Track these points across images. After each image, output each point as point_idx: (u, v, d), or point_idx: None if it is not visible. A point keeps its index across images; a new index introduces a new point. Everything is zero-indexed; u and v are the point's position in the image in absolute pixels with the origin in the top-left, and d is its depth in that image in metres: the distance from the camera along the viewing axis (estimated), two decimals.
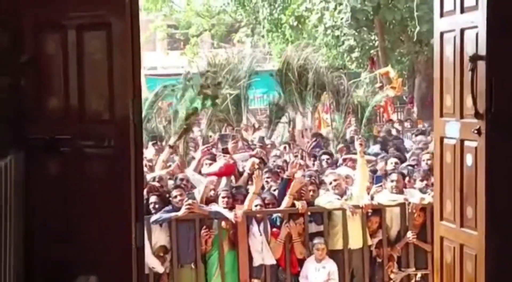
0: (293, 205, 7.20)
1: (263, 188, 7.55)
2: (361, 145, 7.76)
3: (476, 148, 4.78)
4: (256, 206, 7.18)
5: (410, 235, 7.24)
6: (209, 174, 8.03)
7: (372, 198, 7.41)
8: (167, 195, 7.25)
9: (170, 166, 8.49)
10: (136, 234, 4.60)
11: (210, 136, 11.63)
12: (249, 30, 23.35)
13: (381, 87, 16.35)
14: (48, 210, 4.55)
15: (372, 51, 19.16)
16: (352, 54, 19.22)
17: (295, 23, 20.33)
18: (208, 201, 7.28)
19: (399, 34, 19.10)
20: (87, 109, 4.56)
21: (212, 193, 7.43)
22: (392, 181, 7.53)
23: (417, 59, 19.04)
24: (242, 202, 7.25)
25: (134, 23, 4.58)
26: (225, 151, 8.92)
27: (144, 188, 6.93)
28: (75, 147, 4.56)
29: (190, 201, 6.91)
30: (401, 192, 7.47)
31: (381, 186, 7.68)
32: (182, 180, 7.69)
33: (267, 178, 7.89)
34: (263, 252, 7.09)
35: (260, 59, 29.53)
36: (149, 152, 9.49)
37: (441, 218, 5.33)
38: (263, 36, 21.89)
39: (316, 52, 15.22)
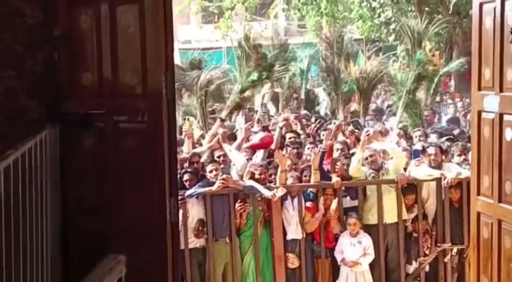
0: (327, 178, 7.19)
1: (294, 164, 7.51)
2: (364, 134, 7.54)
3: None
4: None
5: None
6: (249, 147, 8.08)
7: (408, 174, 7.34)
8: (202, 170, 7.25)
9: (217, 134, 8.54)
10: (171, 209, 4.60)
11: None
12: (284, 3, 23.12)
13: None
14: (83, 184, 4.59)
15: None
16: (389, 26, 18.92)
17: None
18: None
19: (437, 5, 18.72)
20: (120, 83, 4.55)
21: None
22: (430, 155, 7.43)
23: (455, 31, 18.66)
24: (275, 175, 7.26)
25: None
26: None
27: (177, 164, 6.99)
28: (109, 121, 4.56)
29: (224, 176, 6.91)
30: (439, 166, 7.37)
31: (419, 160, 7.60)
32: (219, 156, 7.71)
33: (312, 149, 7.87)
34: (296, 226, 7.07)
35: (294, 32, 29.36)
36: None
37: (478, 193, 5.25)
38: (299, 9, 21.61)
39: (352, 25, 15.05)
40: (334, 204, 7.08)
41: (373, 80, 12.11)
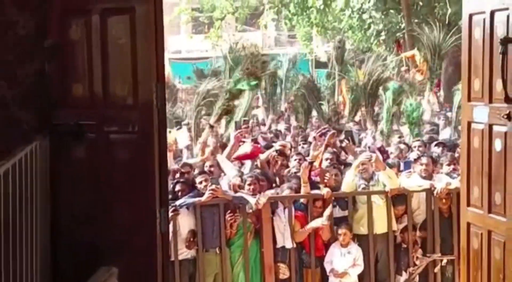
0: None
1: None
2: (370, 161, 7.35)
3: (505, 133, 4.71)
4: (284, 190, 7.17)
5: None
6: (236, 158, 8.07)
7: (399, 184, 7.34)
8: (192, 181, 7.25)
9: (209, 146, 8.55)
10: (161, 219, 4.59)
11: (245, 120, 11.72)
12: (274, 13, 23.18)
13: (406, 71, 16.19)
14: (73, 195, 4.56)
15: (398, 34, 18.94)
16: (379, 37, 19.02)
17: (321, 7, 20.12)
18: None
19: (426, 16, 18.83)
20: (111, 94, 4.55)
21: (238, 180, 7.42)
22: (421, 164, 7.46)
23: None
24: (268, 185, 7.26)
25: (157, 7, 4.54)
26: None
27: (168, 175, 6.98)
28: (100, 132, 4.55)
29: (213, 186, 6.90)
30: (430, 176, 7.39)
31: (410, 172, 7.62)
32: (208, 166, 7.71)
33: (298, 160, 7.88)
34: (285, 235, 7.07)
35: (285, 42, 29.46)
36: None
37: (468, 204, 5.27)
38: (290, 19, 21.69)
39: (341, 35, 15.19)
40: (328, 211, 7.05)
41: (374, 88, 12.24)
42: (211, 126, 9.37)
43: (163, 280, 4.63)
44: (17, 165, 3.94)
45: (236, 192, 7.15)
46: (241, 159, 8.18)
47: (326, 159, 7.86)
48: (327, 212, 7.03)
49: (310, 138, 10.16)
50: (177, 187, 7.04)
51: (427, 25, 15.20)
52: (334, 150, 8.44)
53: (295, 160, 8.00)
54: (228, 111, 10.41)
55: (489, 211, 4.95)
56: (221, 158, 7.95)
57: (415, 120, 10.72)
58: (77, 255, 4.46)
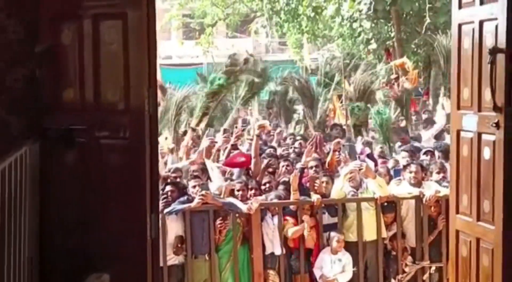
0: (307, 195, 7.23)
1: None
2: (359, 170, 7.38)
3: (494, 141, 4.75)
4: (271, 199, 7.16)
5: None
6: (224, 165, 8.06)
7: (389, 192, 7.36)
8: (183, 186, 7.24)
9: (191, 149, 8.56)
10: (151, 225, 4.59)
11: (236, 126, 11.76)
12: (265, 20, 23.24)
13: (396, 79, 16.24)
14: (63, 200, 4.55)
15: (388, 42, 19.01)
16: (369, 45, 19.09)
17: (312, 14, 20.18)
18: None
19: (416, 25, 18.94)
20: (103, 99, 4.54)
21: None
22: (410, 172, 7.48)
23: (433, 50, 18.86)
24: (256, 191, 7.28)
25: (150, 12, 4.55)
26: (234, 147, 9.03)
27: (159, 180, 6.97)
28: (91, 137, 4.55)
29: (203, 192, 6.89)
30: (419, 183, 7.42)
31: (399, 179, 7.65)
32: (196, 170, 7.70)
33: (286, 166, 7.89)
34: (274, 242, 7.07)
35: (276, 49, 29.50)
36: None
37: (457, 212, 5.30)
38: (281, 26, 21.73)
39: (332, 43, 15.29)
40: (305, 220, 7.05)
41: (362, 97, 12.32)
42: (193, 129, 9.37)
43: None
44: (7, 170, 3.93)
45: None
46: (229, 166, 8.17)
47: (311, 167, 7.87)
48: (305, 222, 7.04)
49: (297, 144, 10.19)
50: (168, 188, 7.02)
51: (415, 34, 15.30)
52: (318, 155, 8.47)
53: (283, 166, 8.00)
54: (207, 113, 10.49)
55: (478, 219, 4.98)
56: (211, 163, 7.94)
57: (384, 127, 10.84)
58: (68, 261, 4.44)
